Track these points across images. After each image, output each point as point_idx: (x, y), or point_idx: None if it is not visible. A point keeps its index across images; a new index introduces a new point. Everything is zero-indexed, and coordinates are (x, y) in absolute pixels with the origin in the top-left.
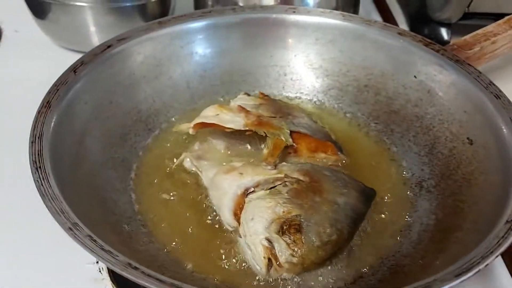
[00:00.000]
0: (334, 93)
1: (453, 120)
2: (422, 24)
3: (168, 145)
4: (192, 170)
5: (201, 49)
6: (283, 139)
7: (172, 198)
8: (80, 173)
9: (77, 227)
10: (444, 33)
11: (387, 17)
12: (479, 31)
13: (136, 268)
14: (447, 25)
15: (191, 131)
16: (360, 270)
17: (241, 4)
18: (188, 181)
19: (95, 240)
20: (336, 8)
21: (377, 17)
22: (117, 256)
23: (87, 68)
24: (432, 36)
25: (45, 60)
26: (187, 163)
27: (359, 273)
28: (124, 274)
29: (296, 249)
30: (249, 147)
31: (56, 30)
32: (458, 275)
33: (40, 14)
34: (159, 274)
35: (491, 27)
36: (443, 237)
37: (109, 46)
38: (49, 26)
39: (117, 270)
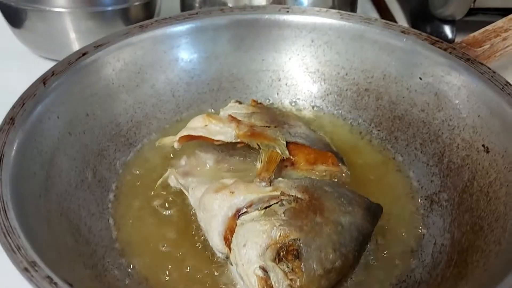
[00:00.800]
0: (333, 98)
1: (465, 126)
2: (424, 22)
3: (152, 161)
4: (178, 189)
5: (186, 54)
6: (279, 151)
7: (155, 222)
8: (49, 197)
9: (35, 267)
10: (448, 31)
11: (386, 15)
12: (488, 27)
13: None
14: (451, 22)
15: (176, 145)
16: None
17: (230, 4)
18: (174, 202)
19: (55, 283)
20: (332, 8)
21: (374, 16)
22: None
23: (59, 78)
24: (435, 35)
25: (22, 71)
26: (172, 181)
27: None
28: None
29: (295, 279)
30: (241, 161)
31: (33, 39)
32: None
33: (15, 22)
34: None
35: (501, 22)
36: (462, 260)
37: (84, 54)
38: (26, 34)
39: None
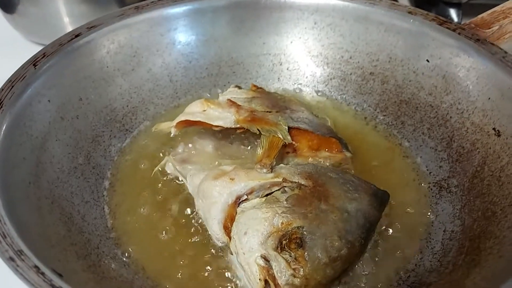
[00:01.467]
0: (336, 83)
1: (474, 109)
2: (428, 6)
3: (149, 147)
4: (176, 177)
5: (184, 37)
6: (280, 136)
7: (152, 210)
8: (40, 184)
9: (22, 256)
10: (454, 14)
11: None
12: (497, 8)
13: None
14: (457, 6)
15: (173, 131)
16: None
17: None
18: (171, 190)
19: (42, 273)
20: None
21: None
22: None
23: (51, 60)
24: None
25: (15, 57)
26: (170, 168)
27: None
28: None
29: (298, 268)
30: (242, 147)
31: (26, 24)
32: None
33: (7, 8)
34: None
35: (509, 3)
36: (474, 247)
37: (77, 35)
38: (18, 19)
39: None
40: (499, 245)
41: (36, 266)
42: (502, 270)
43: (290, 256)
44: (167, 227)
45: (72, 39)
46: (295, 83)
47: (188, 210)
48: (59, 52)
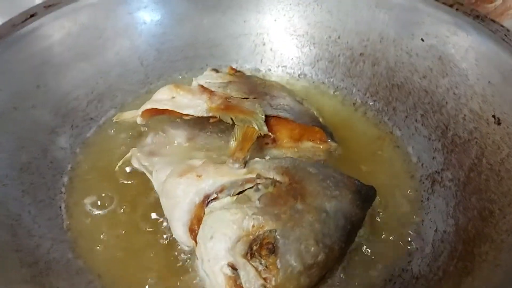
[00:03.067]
0: (323, 65)
1: (473, 94)
2: None
3: (116, 138)
4: (142, 171)
5: (155, 16)
6: (256, 127)
7: (114, 209)
8: None
9: None
10: None
11: None
12: None
13: None
14: None
15: (139, 120)
16: None
17: None
18: (136, 186)
19: None
20: None
21: None
22: None
23: (1, 44)
24: None
25: None
26: (136, 162)
27: None
28: None
29: (269, 278)
30: (219, 137)
31: None
32: None
33: None
34: None
35: None
36: (468, 252)
37: (32, 15)
38: None
39: None
40: (495, 251)
41: None
42: (498, 281)
43: (261, 263)
44: (129, 229)
45: (26, 19)
46: (279, 66)
47: (153, 210)
48: (12, 34)
